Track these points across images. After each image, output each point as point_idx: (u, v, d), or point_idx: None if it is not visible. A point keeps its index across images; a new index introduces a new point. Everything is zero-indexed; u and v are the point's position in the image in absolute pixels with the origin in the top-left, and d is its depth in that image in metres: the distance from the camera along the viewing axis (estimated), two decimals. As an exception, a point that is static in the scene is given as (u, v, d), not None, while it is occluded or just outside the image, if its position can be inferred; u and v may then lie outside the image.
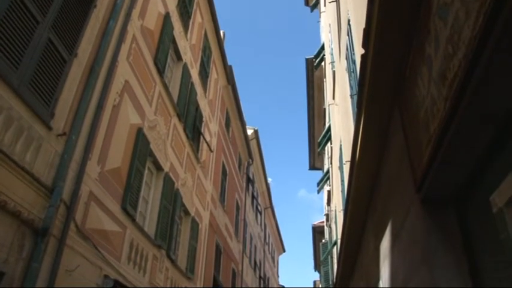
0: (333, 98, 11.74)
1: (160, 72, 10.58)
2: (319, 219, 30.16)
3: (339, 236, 8.45)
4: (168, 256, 10.91)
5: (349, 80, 6.95)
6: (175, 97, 11.88)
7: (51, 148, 6.14)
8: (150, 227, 10.05)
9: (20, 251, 5.49)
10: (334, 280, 10.56)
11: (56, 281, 6.06)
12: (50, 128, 6.06)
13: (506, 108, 1.88)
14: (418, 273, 2.69)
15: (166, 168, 11.00)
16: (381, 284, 4.29)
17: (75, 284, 6.63)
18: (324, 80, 17.04)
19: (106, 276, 7.56)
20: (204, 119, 15.33)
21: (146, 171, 9.92)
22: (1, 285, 5.12)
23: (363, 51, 3.06)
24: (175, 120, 11.84)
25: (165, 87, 11.03)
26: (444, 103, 2.02)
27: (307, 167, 25.42)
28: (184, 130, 12.69)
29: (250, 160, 25.97)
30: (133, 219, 8.83)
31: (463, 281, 2.37)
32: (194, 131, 13.91)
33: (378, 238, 4.31)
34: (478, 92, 1.77)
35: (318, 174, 30.68)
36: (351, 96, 6.73)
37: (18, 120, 5.42)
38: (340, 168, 9.50)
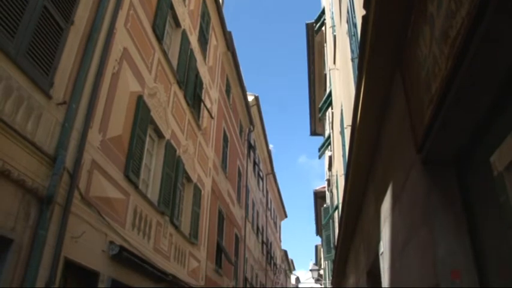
0: (334, 63, 11.65)
1: (159, 39, 10.46)
2: (319, 185, 30.42)
3: (340, 201, 8.53)
4: (172, 222, 11.06)
5: (350, 44, 6.87)
6: (174, 64, 11.79)
7: (52, 117, 6.14)
8: (153, 194, 10.14)
9: (27, 219, 5.57)
10: (336, 243, 10.72)
11: (63, 248, 6.18)
12: (49, 97, 6.04)
13: (508, 68, 1.87)
14: (417, 233, 2.72)
15: (167, 136, 11.02)
16: (381, 246, 4.36)
17: (81, 250, 6.75)
18: (325, 45, 16.86)
19: (111, 242, 7.68)
20: (204, 86, 15.26)
21: (148, 138, 9.95)
22: (10, 252, 5.22)
23: (364, 12, 3.02)
24: (175, 87, 11.78)
25: (164, 54, 10.94)
26: (446, 62, 2.01)
27: (308, 133, 25.47)
28: (185, 97, 12.65)
29: (251, 127, 25.97)
30: (136, 187, 8.91)
31: (461, 242, 2.41)
32: (195, 98, 13.87)
33: (379, 201, 4.35)
34: (481, 50, 1.76)
35: (319, 140, 30.74)
36: (352, 60, 6.68)
37: (18, 90, 5.41)
38: (341, 133, 9.51)
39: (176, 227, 11.48)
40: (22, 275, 5.41)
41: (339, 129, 10.19)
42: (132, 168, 8.69)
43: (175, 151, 11.54)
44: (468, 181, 2.49)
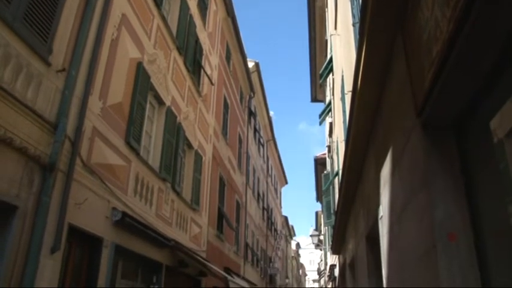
0: (335, 28, 11.51)
1: (158, 4, 10.32)
2: (319, 151, 30.50)
3: (341, 167, 8.58)
4: (173, 188, 11.16)
5: (351, 9, 6.79)
6: (174, 30, 11.65)
7: (52, 84, 6.13)
8: (155, 160, 10.20)
9: (30, 186, 5.63)
10: (336, 209, 10.84)
11: (67, 214, 6.26)
12: (48, 64, 6.01)
13: (509, 30, 1.86)
14: (416, 197, 2.76)
15: (167, 102, 11.00)
16: (380, 210, 4.42)
17: (85, 216, 6.85)
18: (326, 10, 16.61)
19: (114, 209, 7.78)
20: (204, 52, 15.12)
21: (148, 105, 9.93)
22: (16, 218, 5.30)
23: (365, -25, 2.97)
24: (175, 53, 11.69)
25: (164, 20, 10.80)
26: (448, 25, 2.00)
27: (308, 99, 25.43)
28: (185, 63, 12.56)
29: (252, 93, 25.87)
30: (137, 153, 8.95)
31: (459, 205, 2.44)
32: (194, 65, 13.77)
33: (379, 165, 4.39)
34: (482, 13, 1.75)
35: (319, 106, 30.67)
36: (353, 25, 6.61)
37: (16, 57, 5.38)
38: (342, 99, 9.49)
39: (178, 193, 11.59)
40: (28, 241, 5.51)
41: (340, 95, 10.16)
42: (133, 135, 8.71)
43: (176, 118, 11.55)
44: (467, 146, 2.51)
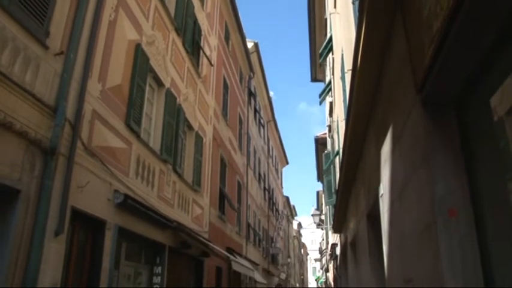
0: (334, 7, 11.40)
1: (155, -16, 10.21)
2: (319, 131, 30.45)
3: (341, 146, 8.59)
4: (175, 170, 11.20)
5: (351, -15, 6.71)
6: (172, 11, 11.55)
7: (50, 68, 6.10)
8: (155, 142, 10.22)
9: (32, 170, 5.65)
10: (337, 188, 10.89)
11: (69, 197, 6.30)
12: (46, 47, 5.98)
13: (509, 6, 1.84)
14: (417, 173, 2.77)
15: (167, 84, 10.97)
16: (381, 188, 4.44)
17: (87, 199, 6.89)
18: (325, -13, 16.41)
19: (116, 191, 7.82)
20: (202, 33, 15.01)
21: (147, 87, 9.90)
22: (19, 202, 5.34)
23: (364, -49, 2.94)
24: (173, 35, 11.60)
25: (161, 0, 10.70)
26: (448, 1, 1.98)
27: (308, 79, 25.33)
28: (184, 45, 12.48)
29: (252, 74, 25.77)
30: (138, 136, 8.96)
31: (459, 181, 2.46)
32: (193, 46, 13.68)
33: (379, 143, 4.39)
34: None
35: (319, 86, 30.52)
36: (353, 2, 6.55)
37: (13, 41, 5.35)
38: (342, 78, 9.45)
39: (179, 175, 11.63)
40: (32, 224, 5.56)
41: (340, 74, 10.12)
42: (133, 117, 8.71)
43: (176, 99, 11.52)
44: (468, 123, 2.51)
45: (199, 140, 13.85)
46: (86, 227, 7.27)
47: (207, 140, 15.06)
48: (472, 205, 2.39)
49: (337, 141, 12.37)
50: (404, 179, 3.17)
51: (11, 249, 5.20)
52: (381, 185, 4.41)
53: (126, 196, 7.94)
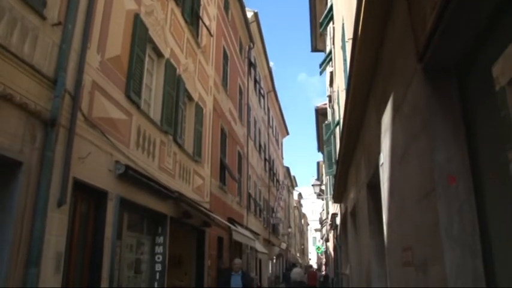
0: (335, -26, 11.20)
1: (152, -48, 10.01)
2: (319, 102, 30.25)
3: (341, 116, 8.59)
4: (175, 141, 11.22)
5: (352, -48, 6.59)
6: (169, -21, 11.36)
7: (48, 39, 6.04)
8: (156, 113, 10.21)
9: (33, 142, 5.67)
10: (337, 158, 10.93)
11: (71, 168, 6.33)
12: (43, 18, 5.90)
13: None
14: (417, 141, 2.78)
15: (166, 55, 10.88)
16: (381, 157, 4.46)
17: (89, 170, 6.93)
18: (325, -46, 16.11)
19: (117, 162, 7.86)
20: (201, 2, 14.80)
21: (147, 58, 9.83)
22: (21, 174, 5.37)
23: None
24: (172, 4, 11.44)
25: (159, -31, 10.51)
26: (450, -34, 1.95)
27: (308, 49, 25.14)
28: (183, 15, 12.32)
29: (251, 44, 25.52)
30: (138, 107, 8.95)
31: (459, 148, 2.47)
32: (192, 16, 13.51)
33: (380, 112, 4.39)
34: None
35: (319, 56, 30.26)
36: (354, -31, 6.43)
37: (10, 11, 5.28)
38: (343, 47, 9.37)
39: (180, 146, 11.66)
40: (34, 195, 5.61)
41: (340, 44, 10.03)
42: (133, 88, 8.68)
43: (175, 70, 11.45)
44: (469, 91, 2.50)
45: (199, 111, 13.83)
46: (88, 198, 7.33)
47: (207, 110, 15.03)
48: (472, 172, 2.41)
49: (338, 112, 12.35)
50: (405, 148, 3.18)
51: (15, 220, 5.27)
52: (381, 154, 4.43)
53: (127, 167, 7.98)
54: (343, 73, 9.73)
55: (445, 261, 2.33)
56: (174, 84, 11.27)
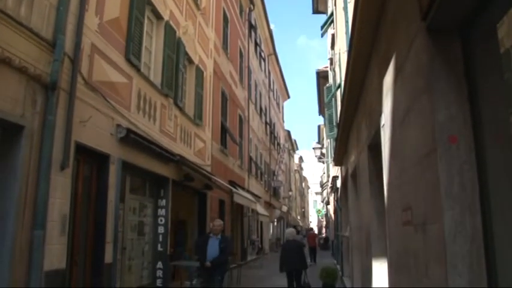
0: None
1: None
2: (320, 65, 29.87)
3: (343, 78, 8.53)
4: (176, 104, 11.20)
5: None
6: None
7: (45, 1, 5.95)
8: (156, 76, 10.14)
9: (34, 106, 5.66)
10: (338, 121, 10.92)
11: (73, 132, 6.35)
12: (40, -22, 5.79)
13: None
14: (419, 101, 2.77)
15: (166, 17, 10.72)
16: (382, 118, 4.45)
17: (90, 134, 6.94)
18: None
19: (118, 125, 7.87)
20: (200, -38, 14.48)
21: (146, 20, 9.70)
22: (23, 138, 5.39)
23: None
24: (170, -36, 11.20)
25: None
26: None
27: (308, 11, 24.61)
28: (181, -25, 12.07)
29: (252, 6, 25.10)
30: (138, 70, 8.89)
31: (461, 108, 2.46)
32: (191, -24, 13.24)
33: (381, 73, 4.36)
34: None
35: (319, 19, 29.77)
36: None
37: (5, -28, 5.18)
38: (345, 8, 9.22)
39: (180, 109, 11.65)
40: (37, 159, 5.65)
41: (342, 4, 9.86)
42: (132, 51, 8.60)
43: (175, 32, 11.31)
44: (472, 52, 2.48)
45: (199, 74, 13.73)
46: (90, 162, 7.38)
47: (208, 73, 14.93)
48: (473, 133, 2.41)
49: (339, 74, 12.27)
50: (406, 108, 3.17)
51: (19, 183, 5.33)
52: (383, 115, 4.42)
53: (129, 130, 8.00)
54: (344, 35, 9.60)
55: (444, 220, 2.36)
56: (174, 47, 11.16)
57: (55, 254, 5.97)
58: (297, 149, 58.62)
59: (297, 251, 10.74)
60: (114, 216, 7.76)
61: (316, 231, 40.58)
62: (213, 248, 8.36)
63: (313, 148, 27.88)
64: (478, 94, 2.42)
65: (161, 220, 10.46)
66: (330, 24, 15.79)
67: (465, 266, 2.27)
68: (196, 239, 11.07)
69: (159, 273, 10.16)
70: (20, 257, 5.32)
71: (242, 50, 22.71)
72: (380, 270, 5.72)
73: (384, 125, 4.38)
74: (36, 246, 5.51)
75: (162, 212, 10.51)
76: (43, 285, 5.58)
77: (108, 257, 7.45)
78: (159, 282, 10.13)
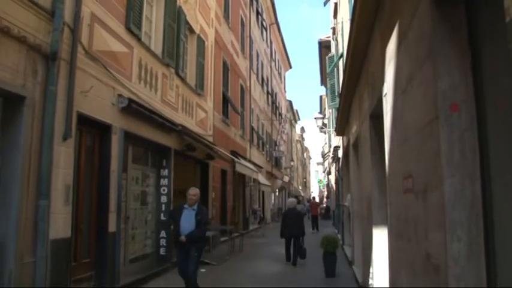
0: None
1: None
2: (322, 35, 29.31)
3: (345, 47, 8.45)
4: (177, 74, 11.14)
5: None
6: None
7: (43, -32, 5.85)
8: (157, 46, 10.06)
9: (35, 76, 5.64)
10: (340, 91, 10.88)
11: (74, 102, 6.35)
12: None
13: None
14: (421, 69, 2.76)
15: (165, -15, 10.55)
16: (385, 87, 4.44)
17: (92, 104, 6.94)
18: None
19: (120, 96, 7.85)
20: None
21: (145, -11, 9.55)
22: (25, 108, 5.40)
23: None
24: None
25: None
26: None
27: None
28: None
29: (253, -27, 24.67)
30: (138, 39, 8.81)
31: (464, 76, 2.45)
32: None
33: (384, 41, 4.32)
34: None
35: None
36: None
37: None
38: (348, -25, 9.07)
39: (182, 79, 11.60)
40: (40, 129, 5.67)
41: (345, -29, 9.69)
42: (133, 20, 8.51)
43: (176, 1, 11.15)
44: (477, 20, 2.45)
45: (201, 44, 13.61)
46: (92, 132, 7.40)
47: (209, 43, 14.79)
48: (476, 101, 2.41)
49: (341, 44, 12.16)
50: (409, 76, 3.16)
51: (23, 154, 5.36)
52: (385, 84, 4.41)
53: (130, 100, 7.99)
54: (347, 4, 9.48)
55: (444, 187, 2.39)
56: (175, 16, 11.02)
57: (60, 223, 6.06)
58: (299, 119, 58.55)
59: (296, 219, 12.11)
60: (117, 186, 7.83)
61: (317, 201, 40.87)
62: (188, 220, 7.28)
63: (315, 118, 27.86)
64: (481, 62, 2.41)
65: (163, 190, 10.55)
66: (332, -8, 15.55)
67: (464, 231, 2.31)
68: (169, 210, 9.78)
69: (162, 241, 10.31)
70: (26, 226, 5.40)
71: (243, 19, 22.44)
72: (380, 237, 5.80)
73: (386, 94, 4.38)
74: (42, 216, 5.59)
75: (164, 181, 10.59)
76: (49, 253, 5.69)
77: (111, 226, 7.55)
78: (162, 251, 10.28)
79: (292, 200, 13.77)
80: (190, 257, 7.21)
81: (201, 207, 7.53)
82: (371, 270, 6.41)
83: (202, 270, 10.52)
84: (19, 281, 5.20)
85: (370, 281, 6.48)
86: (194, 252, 7.22)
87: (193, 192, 7.48)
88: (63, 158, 6.15)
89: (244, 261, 12.41)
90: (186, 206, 7.43)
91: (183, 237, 7.14)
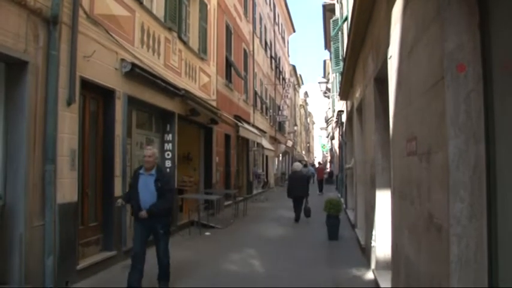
0: None
1: None
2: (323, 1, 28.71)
3: (350, 10, 8.32)
4: (180, 38, 11.03)
5: None
6: None
7: None
8: (159, 9, 9.92)
9: (37, 41, 5.60)
10: (344, 54, 10.76)
11: (77, 67, 6.31)
12: None
13: None
14: (428, 30, 2.73)
15: None
16: (390, 50, 4.40)
17: (95, 69, 6.90)
18: None
19: (123, 60, 7.80)
20: None
21: (146, -50, 9.35)
22: (28, 73, 5.38)
23: None
24: None
25: None
26: None
27: None
28: None
29: None
30: (140, 2, 8.69)
31: (471, 35, 2.41)
32: None
33: (390, 4, 4.25)
34: None
35: None
36: None
37: None
38: None
39: (185, 43, 11.48)
40: (44, 95, 5.66)
41: None
42: (134, -17, 8.36)
43: (177, -37, 10.93)
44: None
45: (203, 7, 13.41)
46: (96, 97, 7.40)
47: (212, 6, 14.56)
48: (482, 61, 2.39)
49: (346, 6, 11.96)
50: (415, 38, 3.12)
51: (27, 119, 5.38)
52: (390, 47, 4.37)
53: (133, 65, 7.94)
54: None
55: (448, 148, 2.40)
56: (176, -21, 10.82)
57: (67, 188, 6.13)
58: (302, 83, 58.14)
59: (300, 180, 13.20)
60: (122, 151, 7.87)
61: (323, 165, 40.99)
62: (147, 189, 5.80)
63: (319, 82, 27.69)
64: (489, 23, 2.38)
65: (168, 154, 10.61)
66: (337, -48, 15.19)
67: (467, 191, 2.34)
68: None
69: (168, 205, 10.40)
70: (34, 191, 5.47)
71: (246, -19, 22.02)
72: (383, 200, 5.86)
73: (391, 56, 4.34)
74: (48, 181, 5.66)
75: (168, 146, 10.63)
76: (57, 217, 5.78)
77: (117, 191, 7.63)
78: (167, 215, 10.39)
79: (297, 163, 14.38)
80: (157, 237, 5.94)
81: (160, 171, 6.05)
82: (373, 233, 6.50)
83: (207, 233, 10.72)
84: (30, 244, 5.31)
85: (373, 243, 6.58)
86: (160, 229, 5.89)
87: (149, 152, 5.92)
88: (68, 123, 6.17)
89: (248, 225, 12.60)
90: (141, 171, 5.96)
91: (143, 213, 5.72)
